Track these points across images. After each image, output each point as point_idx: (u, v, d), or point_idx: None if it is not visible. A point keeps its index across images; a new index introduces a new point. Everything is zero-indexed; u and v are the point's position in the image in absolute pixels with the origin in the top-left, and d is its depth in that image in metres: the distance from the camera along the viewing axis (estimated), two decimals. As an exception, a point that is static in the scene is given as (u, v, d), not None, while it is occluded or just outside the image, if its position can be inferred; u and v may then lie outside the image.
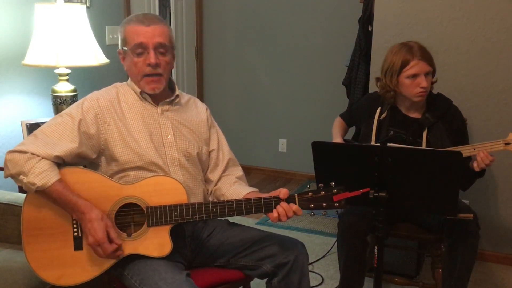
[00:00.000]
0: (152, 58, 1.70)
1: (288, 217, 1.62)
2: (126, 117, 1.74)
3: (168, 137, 1.77)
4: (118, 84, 1.84)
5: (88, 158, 1.71)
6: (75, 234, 1.60)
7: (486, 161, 2.02)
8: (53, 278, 1.60)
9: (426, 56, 2.18)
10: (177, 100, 1.84)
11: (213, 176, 1.90)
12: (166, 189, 1.64)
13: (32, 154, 1.55)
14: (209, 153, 1.91)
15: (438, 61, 2.23)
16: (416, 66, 2.15)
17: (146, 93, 1.77)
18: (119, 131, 1.71)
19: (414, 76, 2.16)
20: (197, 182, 1.82)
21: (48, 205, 1.59)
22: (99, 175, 1.66)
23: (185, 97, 1.92)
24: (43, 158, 1.56)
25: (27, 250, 1.60)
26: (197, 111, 1.92)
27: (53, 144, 1.59)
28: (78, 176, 1.61)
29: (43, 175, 1.53)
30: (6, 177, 1.60)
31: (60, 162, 1.62)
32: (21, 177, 1.55)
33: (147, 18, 1.73)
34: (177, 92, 1.84)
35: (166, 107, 1.81)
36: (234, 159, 1.96)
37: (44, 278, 1.60)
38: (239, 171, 1.95)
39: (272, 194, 1.65)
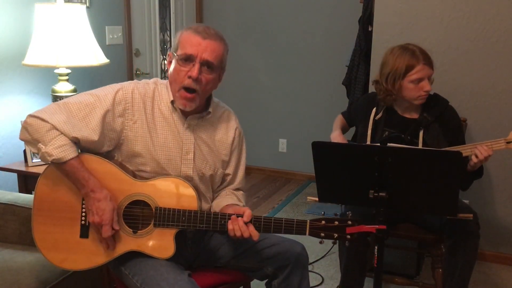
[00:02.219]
0: (195, 72, 1.62)
1: (242, 236, 1.58)
2: (154, 120, 1.70)
3: (189, 155, 1.73)
4: (159, 81, 1.77)
5: (98, 150, 1.66)
6: (83, 222, 1.62)
7: (484, 153, 2.01)
8: (57, 261, 1.62)
9: (429, 60, 2.19)
10: (208, 116, 1.78)
11: (217, 193, 1.88)
12: (178, 193, 1.64)
13: (52, 125, 1.54)
14: (224, 175, 1.86)
15: (438, 61, 2.24)
16: (421, 71, 2.15)
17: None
18: (143, 131, 1.68)
19: (419, 80, 2.16)
20: (205, 200, 1.80)
21: (62, 188, 1.61)
22: (115, 167, 1.64)
23: (219, 110, 1.83)
24: (62, 133, 1.55)
25: (36, 229, 1.62)
26: (226, 129, 1.84)
27: (73, 125, 1.57)
28: (95, 165, 1.62)
29: (62, 148, 1.53)
30: (21, 139, 1.59)
31: (76, 142, 1.60)
32: (40, 145, 1.54)
33: (206, 31, 1.65)
34: (211, 109, 1.77)
35: (195, 121, 1.74)
36: (243, 187, 1.92)
37: (49, 259, 1.62)
38: (240, 191, 1.90)
39: (239, 211, 1.63)
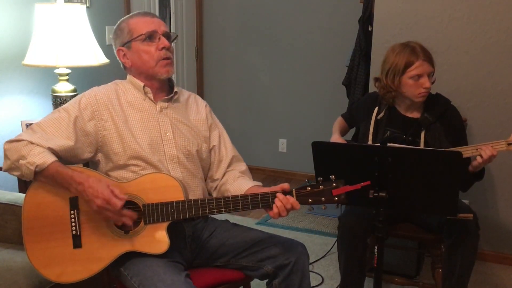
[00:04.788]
0: (166, 41, 1.75)
1: (287, 210, 1.59)
2: (125, 113, 1.75)
3: (167, 134, 1.77)
4: (118, 81, 1.85)
5: (81, 157, 1.70)
6: (74, 232, 1.61)
7: (488, 152, 2.02)
8: (54, 276, 1.61)
9: (429, 57, 2.18)
10: (175, 97, 1.86)
11: (218, 174, 1.90)
12: (162, 187, 1.64)
13: (29, 141, 1.59)
14: (210, 150, 1.91)
15: (438, 61, 2.24)
16: (420, 67, 2.15)
17: (150, 87, 1.79)
18: (116, 127, 1.72)
19: (418, 76, 2.16)
20: (196, 180, 1.82)
21: (47, 204, 1.61)
22: (98, 173, 1.67)
23: (185, 94, 1.93)
24: (38, 145, 1.59)
25: (28, 248, 1.61)
26: (197, 109, 1.92)
27: (48, 139, 1.63)
28: None
29: (42, 155, 1.57)
30: (5, 169, 1.62)
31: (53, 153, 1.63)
32: (21, 161, 1.56)
33: (148, 13, 1.80)
34: (176, 89, 1.85)
35: (165, 104, 1.82)
36: (238, 156, 1.96)
37: (45, 275, 1.61)
38: (243, 166, 1.94)
39: (272, 189, 1.63)
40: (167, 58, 1.76)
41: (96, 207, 1.55)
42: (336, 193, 1.58)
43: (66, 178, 1.57)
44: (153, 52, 1.75)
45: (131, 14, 1.84)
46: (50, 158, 1.57)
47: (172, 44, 1.82)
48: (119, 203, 1.53)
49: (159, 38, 1.75)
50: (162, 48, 1.75)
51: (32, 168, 1.55)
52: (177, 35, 1.90)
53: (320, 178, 1.61)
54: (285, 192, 1.61)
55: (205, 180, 1.92)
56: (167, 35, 1.79)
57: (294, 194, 1.61)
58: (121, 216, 1.56)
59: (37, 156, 1.56)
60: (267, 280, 1.81)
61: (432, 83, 2.26)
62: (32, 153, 1.57)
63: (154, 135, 1.76)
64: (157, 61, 1.75)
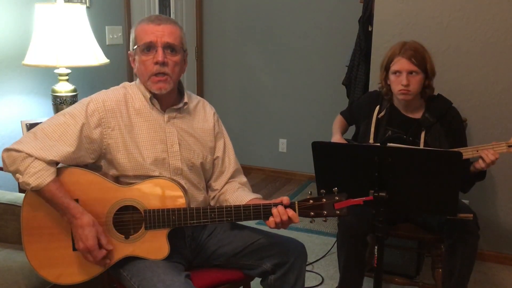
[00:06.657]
0: (160, 56, 1.65)
1: (282, 221, 1.59)
2: (132, 122, 1.71)
3: (174, 146, 1.74)
4: (127, 84, 1.79)
5: (83, 163, 1.68)
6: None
7: (491, 157, 2.02)
8: (53, 277, 1.61)
9: (411, 54, 2.16)
10: (185, 107, 1.80)
11: (217, 184, 1.88)
12: (165, 193, 1.63)
13: (27, 154, 1.54)
14: (213, 160, 1.88)
15: (438, 61, 2.23)
16: (397, 62, 2.17)
17: (155, 98, 1.73)
18: (122, 137, 1.68)
19: (398, 73, 2.17)
20: (198, 191, 1.81)
21: (47, 205, 1.59)
22: (99, 176, 1.64)
23: (193, 101, 1.87)
24: (37, 158, 1.54)
25: (27, 249, 1.61)
26: (204, 117, 1.87)
27: (50, 147, 1.57)
28: (77, 177, 1.61)
29: (37, 175, 1.53)
30: (4, 171, 1.60)
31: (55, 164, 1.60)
32: (17, 175, 1.55)
33: (159, 18, 1.70)
34: (186, 99, 1.79)
35: (173, 114, 1.77)
36: (240, 168, 1.94)
37: (44, 276, 1.61)
38: (243, 178, 1.93)
39: (273, 201, 1.64)
40: (161, 74, 1.67)
41: (76, 247, 1.57)
42: (338, 206, 1.58)
43: (61, 207, 1.56)
44: (148, 65, 1.67)
45: (145, 17, 1.74)
46: (47, 178, 1.53)
47: (179, 55, 1.71)
48: (99, 256, 1.56)
49: (156, 51, 1.66)
50: (156, 62, 1.66)
51: (28, 187, 1.54)
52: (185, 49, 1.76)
53: (322, 191, 1.61)
54: (286, 205, 1.61)
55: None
56: (170, 47, 1.68)
57: (296, 206, 1.61)
58: (99, 264, 1.59)
59: (33, 177, 1.52)
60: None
61: (427, 86, 2.22)
62: (29, 171, 1.52)
63: (160, 147, 1.72)
64: (149, 76, 1.68)
